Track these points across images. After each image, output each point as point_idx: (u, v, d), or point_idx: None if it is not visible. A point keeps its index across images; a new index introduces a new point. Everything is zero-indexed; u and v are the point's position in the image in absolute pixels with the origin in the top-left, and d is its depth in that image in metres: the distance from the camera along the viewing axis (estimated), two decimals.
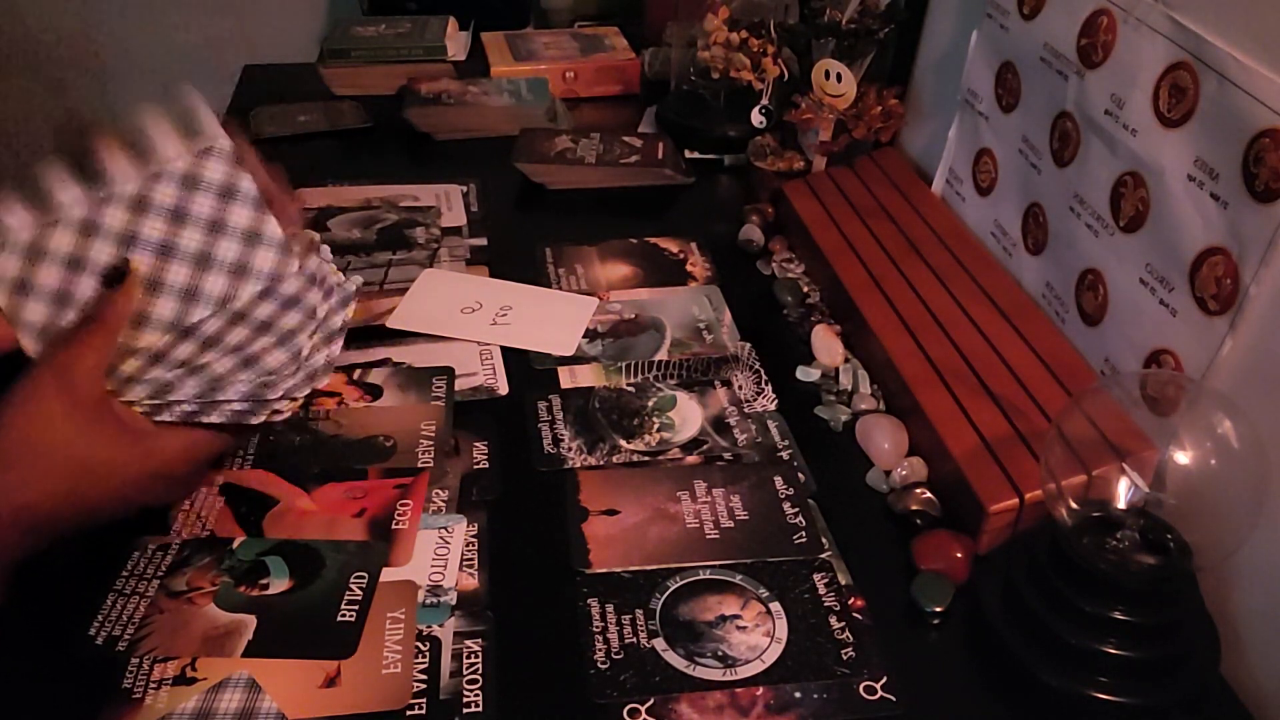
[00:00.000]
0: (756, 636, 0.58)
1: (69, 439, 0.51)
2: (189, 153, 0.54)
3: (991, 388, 0.70)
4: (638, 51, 1.32)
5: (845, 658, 0.57)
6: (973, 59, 0.89)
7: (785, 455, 0.71)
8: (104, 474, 0.52)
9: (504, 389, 0.77)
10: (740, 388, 0.78)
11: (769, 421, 0.75)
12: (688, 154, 1.13)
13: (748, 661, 0.56)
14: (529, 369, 0.79)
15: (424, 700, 0.53)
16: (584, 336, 0.82)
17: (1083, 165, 0.73)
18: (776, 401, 0.77)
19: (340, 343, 0.60)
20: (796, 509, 0.66)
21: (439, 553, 0.62)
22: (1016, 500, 0.62)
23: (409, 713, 0.53)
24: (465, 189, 1.05)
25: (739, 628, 0.58)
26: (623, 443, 0.72)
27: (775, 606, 0.60)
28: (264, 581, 0.60)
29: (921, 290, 0.81)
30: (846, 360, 0.80)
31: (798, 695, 0.55)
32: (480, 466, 0.69)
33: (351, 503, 0.66)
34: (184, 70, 1.70)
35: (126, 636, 0.56)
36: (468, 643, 0.57)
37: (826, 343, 0.81)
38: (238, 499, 0.66)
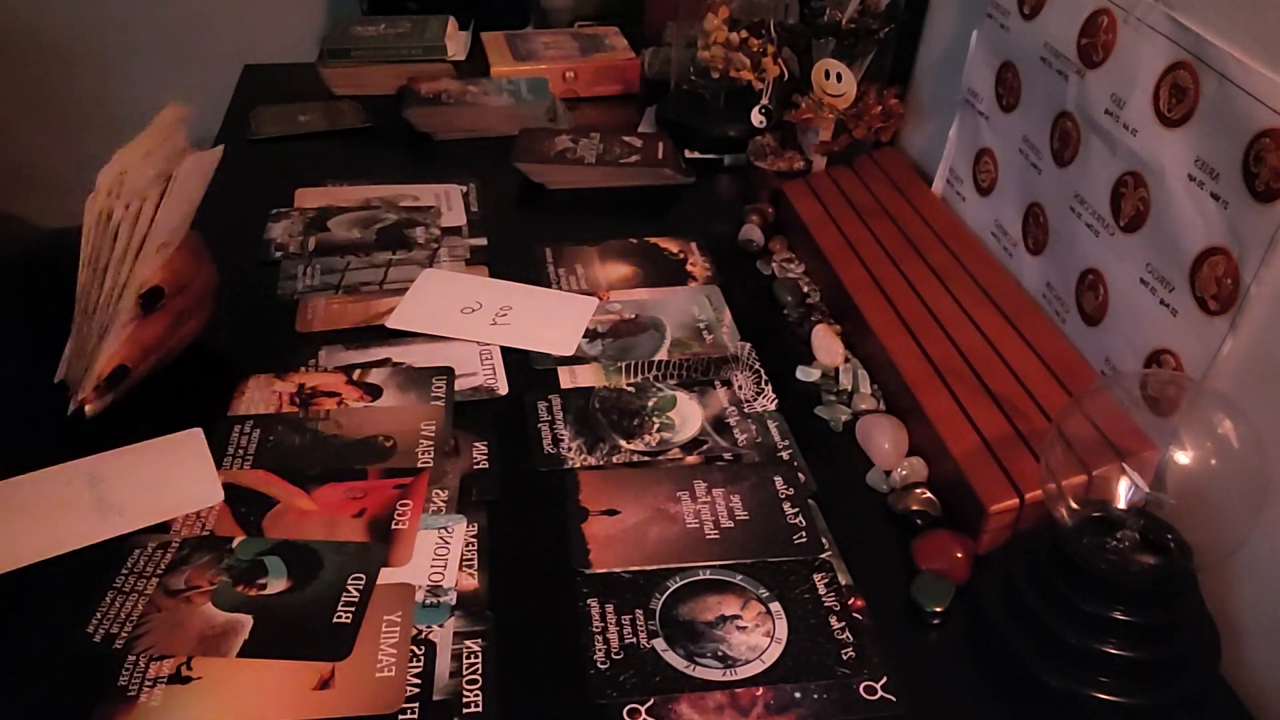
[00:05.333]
0: (756, 637, 0.58)
1: None
2: None
3: (992, 388, 0.70)
4: (638, 51, 1.32)
5: (845, 658, 0.56)
6: (973, 59, 0.89)
7: (785, 455, 0.71)
8: None
9: (504, 389, 0.77)
10: (740, 388, 0.78)
11: (769, 421, 0.74)
12: (688, 154, 1.13)
13: (748, 662, 0.56)
14: (529, 369, 0.79)
15: (417, 705, 0.53)
16: (584, 336, 0.82)
17: (1083, 165, 0.73)
18: (776, 401, 0.77)
19: None
20: (796, 509, 0.66)
21: (439, 553, 0.62)
22: (1017, 500, 0.62)
23: (401, 717, 0.53)
24: (465, 189, 1.05)
25: (739, 628, 0.58)
26: (623, 443, 0.72)
27: (775, 606, 0.59)
28: (262, 581, 0.60)
29: (922, 290, 0.81)
30: (846, 360, 0.80)
31: (798, 695, 0.55)
32: (480, 466, 0.69)
33: (351, 503, 0.66)
34: (185, 69, 1.70)
35: (124, 634, 0.56)
36: (467, 643, 0.57)
37: (826, 343, 0.81)
38: (237, 499, 0.66)
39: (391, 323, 0.83)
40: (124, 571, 0.60)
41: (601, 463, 0.70)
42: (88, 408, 0.66)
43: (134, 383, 0.69)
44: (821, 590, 0.61)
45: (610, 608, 0.59)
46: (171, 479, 0.66)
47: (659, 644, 0.57)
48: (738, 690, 0.55)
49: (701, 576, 0.61)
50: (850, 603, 0.60)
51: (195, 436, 0.69)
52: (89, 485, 0.65)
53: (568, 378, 0.78)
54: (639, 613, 0.59)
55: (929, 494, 0.67)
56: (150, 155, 0.66)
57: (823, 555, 0.63)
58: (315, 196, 1.02)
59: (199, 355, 0.75)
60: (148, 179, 0.65)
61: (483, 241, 0.96)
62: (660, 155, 1.07)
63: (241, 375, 0.76)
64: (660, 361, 0.80)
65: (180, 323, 0.70)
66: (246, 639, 0.56)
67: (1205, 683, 0.55)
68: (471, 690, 0.54)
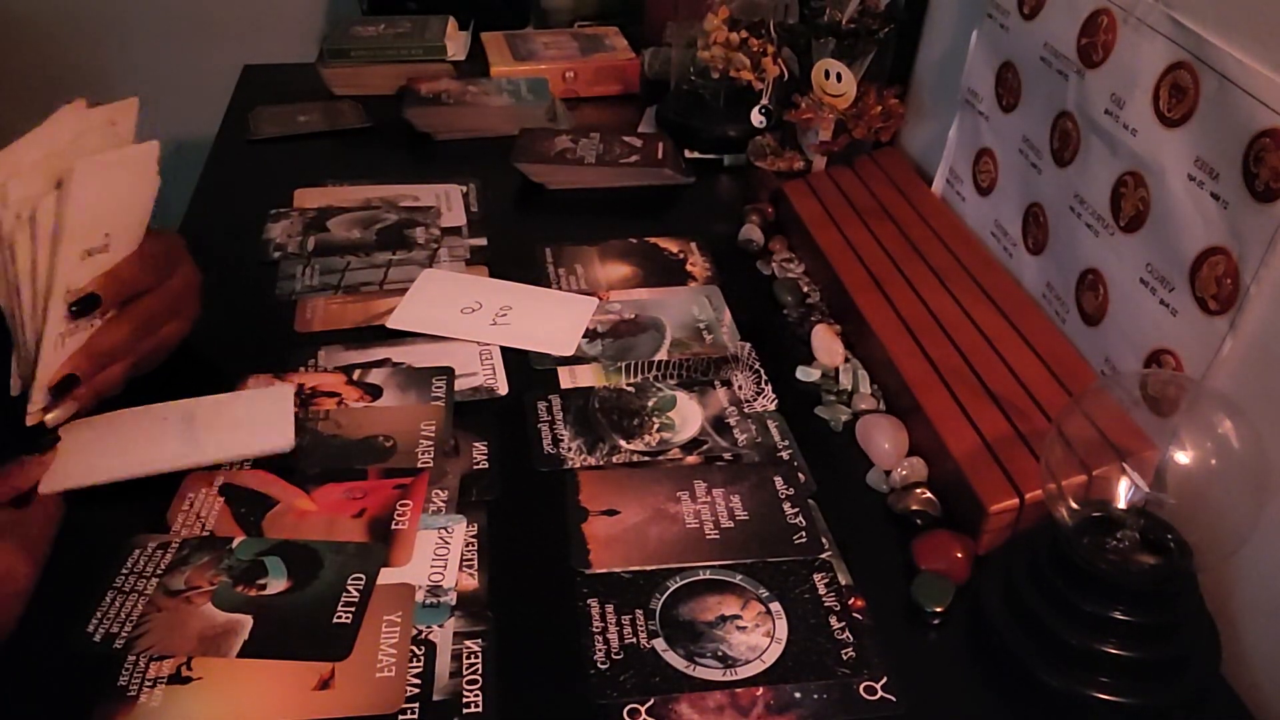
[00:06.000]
0: (756, 637, 0.58)
1: None
2: None
3: (992, 388, 0.70)
4: (638, 51, 1.32)
5: (845, 658, 0.56)
6: (973, 59, 0.89)
7: (785, 455, 0.71)
8: None
9: (504, 389, 0.77)
10: (740, 388, 0.78)
11: (769, 421, 0.74)
12: (688, 154, 1.13)
13: (748, 662, 0.56)
14: (529, 369, 0.79)
15: (417, 705, 0.53)
16: (584, 336, 0.82)
17: (1083, 165, 0.73)
18: (776, 401, 0.77)
19: None
20: (796, 509, 0.66)
21: (439, 553, 0.62)
22: (1017, 500, 0.62)
23: (401, 717, 0.53)
24: (465, 189, 1.05)
25: (739, 628, 0.58)
26: (623, 443, 0.72)
27: (775, 606, 0.59)
28: (262, 581, 0.60)
29: (922, 290, 0.81)
30: (846, 360, 0.80)
31: (798, 695, 0.55)
32: (480, 466, 0.69)
33: (351, 503, 0.66)
34: (184, 69, 1.70)
35: (124, 634, 0.56)
36: (467, 643, 0.57)
37: (826, 343, 0.81)
38: (237, 499, 0.66)
39: (391, 323, 0.83)
40: (124, 571, 0.60)
41: (601, 463, 0.70)
42: (48, 417, 0.66)
43: (118, 386, 0.68)
44: (821, 590, 0.61)
45: (610, 608, 0.59)
46: (253, 422, 0.71)
47: (659, 644, 0.57)
48: (738, 690, 0.55)
49: (701, 576, 0.61)
50: (850, 603, 0.60)
51: (286, 391, 0.74)
52: (183, 422, 0.70)
53: (568, 378, 0.78)
54: (639, 613, 0.59)
55: (929, 494, 0.67)
56: (52, 158, 0.62)
57: (823, 555, 0.63)
58: (315, 196, 1.02)
59: (198, 356, 0.75)
60: (45, 182, 0.61)
61: (483, 241, 0.96)
62: (660, 155, 1.07)
63: (241, 375, 0.76)
64: (660, 361, 0.80)
65: (152, 326, 0.69)
66: (246, 639, 0.56)
67: (1205, 683, 0.55)
68: (471, 690, 0.54)
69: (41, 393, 0.65)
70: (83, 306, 0.64)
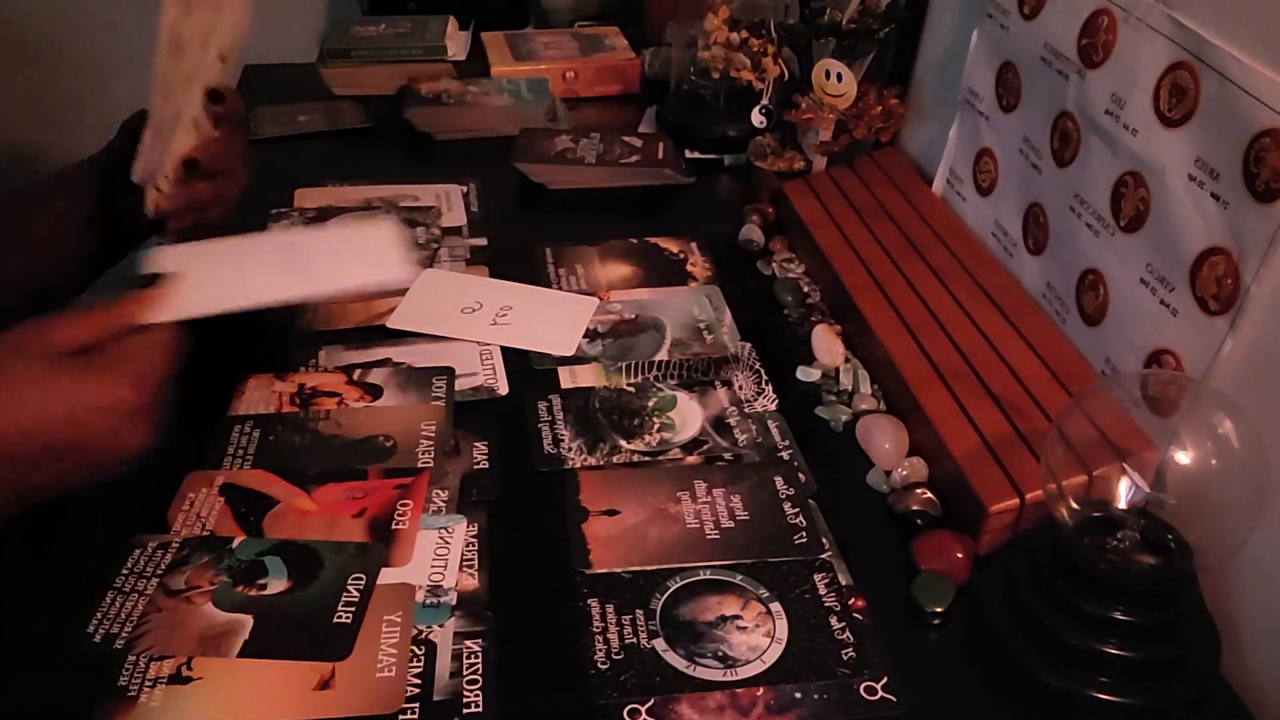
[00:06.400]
0: (757, 637, 0.58)
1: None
2: None
3: (992, 388, 0.70)
4: (638, 51, 1.32)
5: (845, 658, 0.56)
6: (973, 59, 0.89)
7: (785, 455, 0.71)
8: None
9: (504, 389, 0.77)
10: (740, 388, 0.78)
11: (769, 421, 0.74)
12: (688, 154, 1.13)
13: (748, 662, 0.56)
14: (529, 369, 0.79)
15: (417, 705, 0.53)
16: (584, 336, 0.82)
17: (1083, 165, 0.73)
18: (777, 401, 0.77)
19: None
20: (797, 509, 0.66)
21: (439, 553, 0.62)
22: (1017, 500, 0.62)
23: (401, 717, 0.53)
24: (465, 189, 1.05)
25: (739, 628, 0.58)
26: (623, 443, 0.72)
27: (775, 607, 0.59)
28: (262, 581, 0.60)
29: (922, 290, 0.81)
30: (847, 360, 0.80)
31: (798, 695, 0.55)
32: (480, 466, 0.69)
33: (351, 503, 0.66)
34: None
35: (124, 634, 0.56)
36: (468, 643, 0.57)
37: (827, 343, 0.81)
38: (237, 499, 0.66)
39: (392, 323, 0.83)
40: (124, 571, 0.60)
41: (602, 463, 0.70)
42: (164, 202, 0.69)
43: (205, 203, 0.71)
44: (822, 590, 0.61)
45: (610, 608, 0.59)
46: (363, 255, 0.68)
47: (659, 644, 0.57)
48: (738, 690, 0.55)
49: (702, 576, 0.61)
50: (850, 603, 0.60)
51: (389, 222, 0.72)
52: (284, 252, 0.67)
53: (568, 378, 0.78)
54: (639, 613, 0.59)
55: (929, 494, 0.67)
56: None
57: (823, 555, 0.63)
58: (315, 196, 1.02)
59: (199, 354, 0.75)
60: None
61: (483, 241, 0.96)
62: (660, 155, 1.07)
63: (241, 375, 0.76)
64: (660, 361, 0.80)
65: (224, 165, 0.72)
66: (246, 639, 0.56)
67: (1205, 683, 0.55)
68: (471, 690, 0.54)
69: (172, 165, 0.69)
70: (214, 98, 0.69)
